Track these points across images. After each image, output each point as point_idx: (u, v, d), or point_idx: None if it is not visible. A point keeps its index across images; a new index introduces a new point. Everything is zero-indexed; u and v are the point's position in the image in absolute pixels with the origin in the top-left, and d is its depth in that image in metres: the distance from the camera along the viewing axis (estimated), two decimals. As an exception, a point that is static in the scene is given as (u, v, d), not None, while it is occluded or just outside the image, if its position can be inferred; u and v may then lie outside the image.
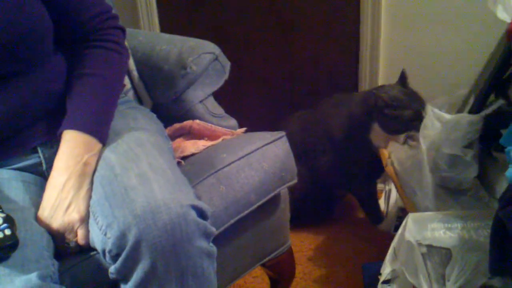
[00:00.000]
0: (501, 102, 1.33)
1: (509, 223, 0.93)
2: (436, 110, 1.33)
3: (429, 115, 1.33)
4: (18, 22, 0.96)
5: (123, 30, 1.15)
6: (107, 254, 0.86)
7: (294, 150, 1.81)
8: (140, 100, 1.40)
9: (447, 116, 1.32)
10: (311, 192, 1.89)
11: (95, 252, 0.94)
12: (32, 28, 0.99)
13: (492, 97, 1.40)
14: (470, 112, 1.42)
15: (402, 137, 1.66)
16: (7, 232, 0.82)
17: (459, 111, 1.50)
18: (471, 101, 1.45)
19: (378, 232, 1.87)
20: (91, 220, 0.93)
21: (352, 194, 1.94)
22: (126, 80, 1.37)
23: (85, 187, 0.96)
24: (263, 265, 1.34)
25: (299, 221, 1.90)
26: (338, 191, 1.98)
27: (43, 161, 1.05)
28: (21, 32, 0.97)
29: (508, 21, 1.26)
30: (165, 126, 1.27)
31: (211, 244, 0.91)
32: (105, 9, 1.11)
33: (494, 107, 1.33)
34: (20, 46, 0.98)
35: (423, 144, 1.31)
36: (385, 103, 1.63)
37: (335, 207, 2.03)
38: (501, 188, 1.20)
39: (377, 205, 1.88)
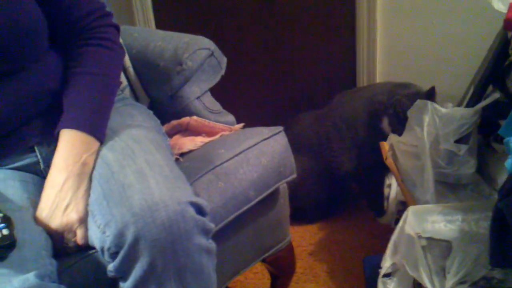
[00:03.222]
0: (496, 94, 1.32)
1: (509, 213, 0.93)
2: (435, 105, 1.33)
3: (429, 111, 1.32)
4: (11, 21, 0.96)
5: (117, 28, 1.14)
6: (105, 252, 0.85)
7: (307, 143, 1.86)
8: (136, 97, 1.40)
9: (443, 110, 1.31)
10: (324, 185, 1.90)
11: (94, 251, 0.94)
12: (26, 26, 0.98)
13: (490, 88, 1.39)
14: (468, 104, 1.41)
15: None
16: (5, 232, 0.82)
17: (459, 104, 1.50)
18: (470, 93, 1.45)
19: (379, 225, 1.87)
20: (89, 219, 0.93)
21: (360, 183, 1.94)
22: (123, 77, 1.36)
23: (84, 186, 0.96)
24: (263, 260, 1.34)
25: (310, 216, 1.93)
26: (350, 183, 1.97)
27: (40, 160, 1.04)
28: (15, 31, 0.96)
29: (504, 11, 1.26)
30: (162, 123, 1.26)
31: (210, 240, 0.91)
32: (98, 7, 1.10)
33: (489, 99, 1.32)
34: (14, 45, 0.97)
35: (427, 141, 1.30)
36: (399, 104, 1.68)
37: (346, 203, 2.04)
38: (501, 179, 1.20)
39: (381, 197, 1.89)
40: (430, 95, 1.65)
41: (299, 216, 1.86)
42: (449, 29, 1.90)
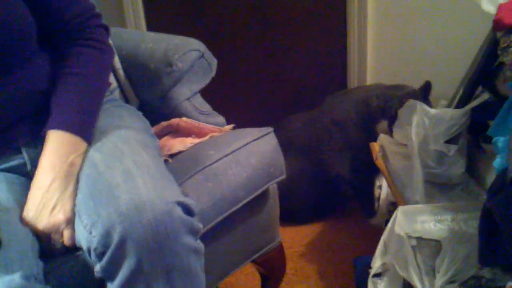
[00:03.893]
0: (486, 95, 1.33)
1: (498, 212, 0.93)
2: (424, 105, 1.33)
3: (418, 112, 1.32)
4: (0, 22, 0.95)
5: (106, 28, 1.14)
6: (92, 253, 0.85)
7: (298, 145, 1.87)
8: (126, 99, 1.39)
9: (432, 111, 1.31)
10: (315, 187, 1.91)
11: (81, 252, 0.93)
12: (15, 28, 0.98)
13: (480, 89, 1.40)
14: (457, 105, 1.41)
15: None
16: (-10, 233, 0.81)
17: (449, 105, 1.50)
18: (460, 94, 1.45)
19: (369, 227, 1.87)
20: (76, 219, 0.92)
21: (351, 184, 1.93)
22: (112, 79, 1.36)
23: (71, 187, 0.95)
24: (253, 261, 1.33)
25: (301, 217, 1.93)
26: (341, 184, 1.97)
27: (27, 162, 1.04)
28: (3, 32, 0.96)
29: (493, 12, 1.26)
30: (152, 125, 1.26)
31: (198, 241, 0.90)
32: (87, 8, 1.10)
33: (479, 100, 1.33)
34: (3, 46, 0.97)
35: (415, 142, 1.30)
36: (398, 106, 1.64)
37: (337, 204, 2.03)
38: (490, 179, 1.20)
39: (372, 198, 1.89)
40: (425, 90, 1.65)
41: (290, 217, 1.86)
42: (438, 30, 1.91)
